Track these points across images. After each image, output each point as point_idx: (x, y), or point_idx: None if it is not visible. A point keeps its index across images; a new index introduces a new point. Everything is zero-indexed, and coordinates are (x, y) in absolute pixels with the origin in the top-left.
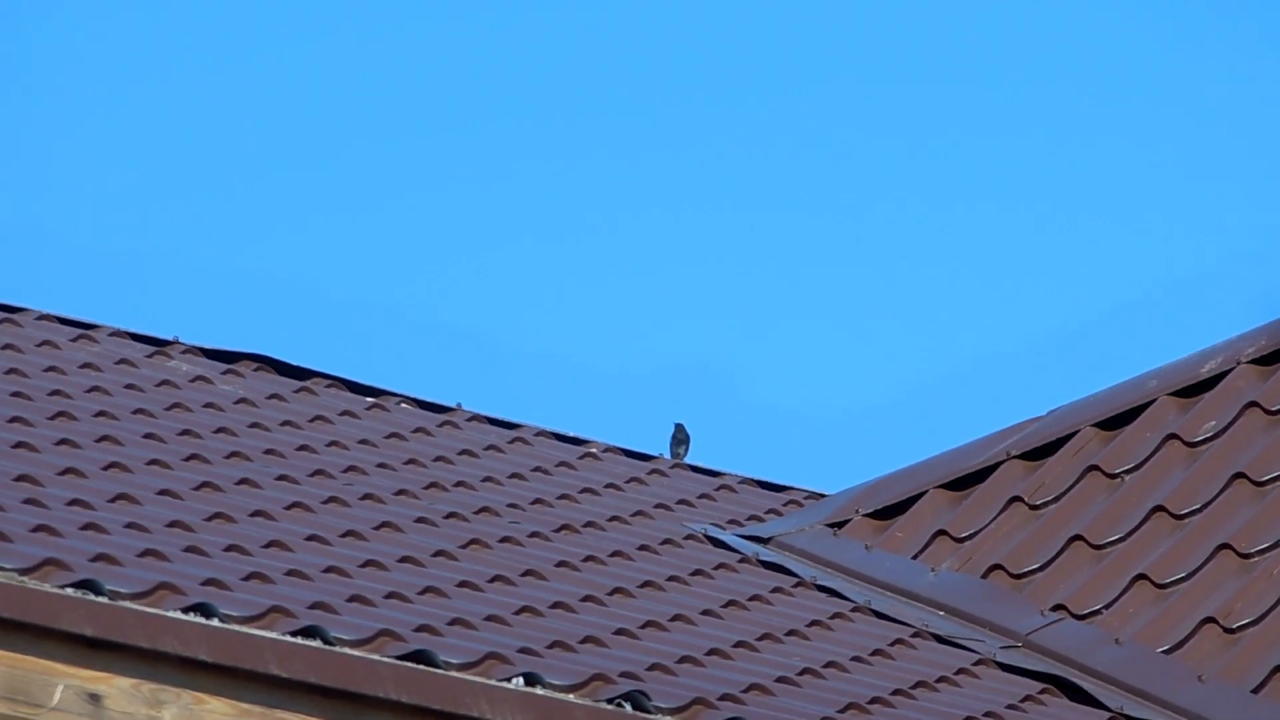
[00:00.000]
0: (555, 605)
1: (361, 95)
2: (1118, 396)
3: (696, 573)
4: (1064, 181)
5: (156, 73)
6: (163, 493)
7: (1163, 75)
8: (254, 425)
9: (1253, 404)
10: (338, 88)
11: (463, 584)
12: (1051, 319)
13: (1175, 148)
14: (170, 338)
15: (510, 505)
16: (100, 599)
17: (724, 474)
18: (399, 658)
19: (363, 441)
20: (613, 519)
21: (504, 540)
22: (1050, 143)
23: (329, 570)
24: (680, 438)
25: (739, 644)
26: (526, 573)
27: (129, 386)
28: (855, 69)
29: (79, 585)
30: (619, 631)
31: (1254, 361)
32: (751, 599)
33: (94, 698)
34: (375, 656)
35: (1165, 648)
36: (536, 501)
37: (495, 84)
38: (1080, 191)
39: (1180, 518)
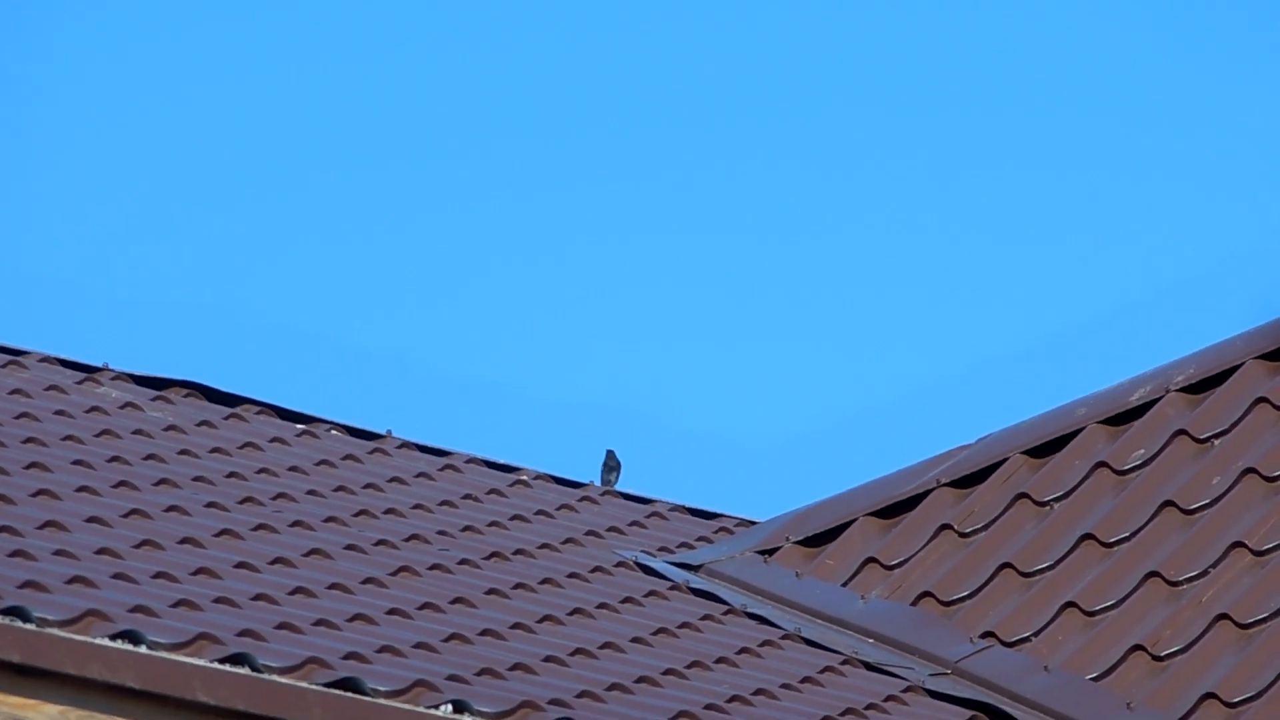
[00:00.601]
0: (484, 632)
1: (296, 121)
2: (1047, 424)
3: (627, 600)
4: (998, 207)
5: (75, 96)
6: (91, 520)
7: (1115, 92)
8: (183, 452)
9: (1181, 432)
10: (275, 114)
11: (392, 611)
12: (979, 347)
13: (1112, 172)
14: (100, 364)
15: (440, 532)
16: (28, 626)
17: (655, 501)
18: (327, 685)
19: (292, 468)
20: (543, 546)
21: (433, 568)
22: (984, 169)
23: (258, 597)
24: (611, 464)
25: (668, 671)
26: (456, 600)
27: (58, 413)
28: (805, 85)
29: (6, 612)
30: (548, 659)
31: (1183, 390)
32: (681, 626)
33: None
34: (303, 684)
35: (1094, 675)
36: (467, 529)
37: (426, 114)
38: (1014, 219)
39: (1109, 545)
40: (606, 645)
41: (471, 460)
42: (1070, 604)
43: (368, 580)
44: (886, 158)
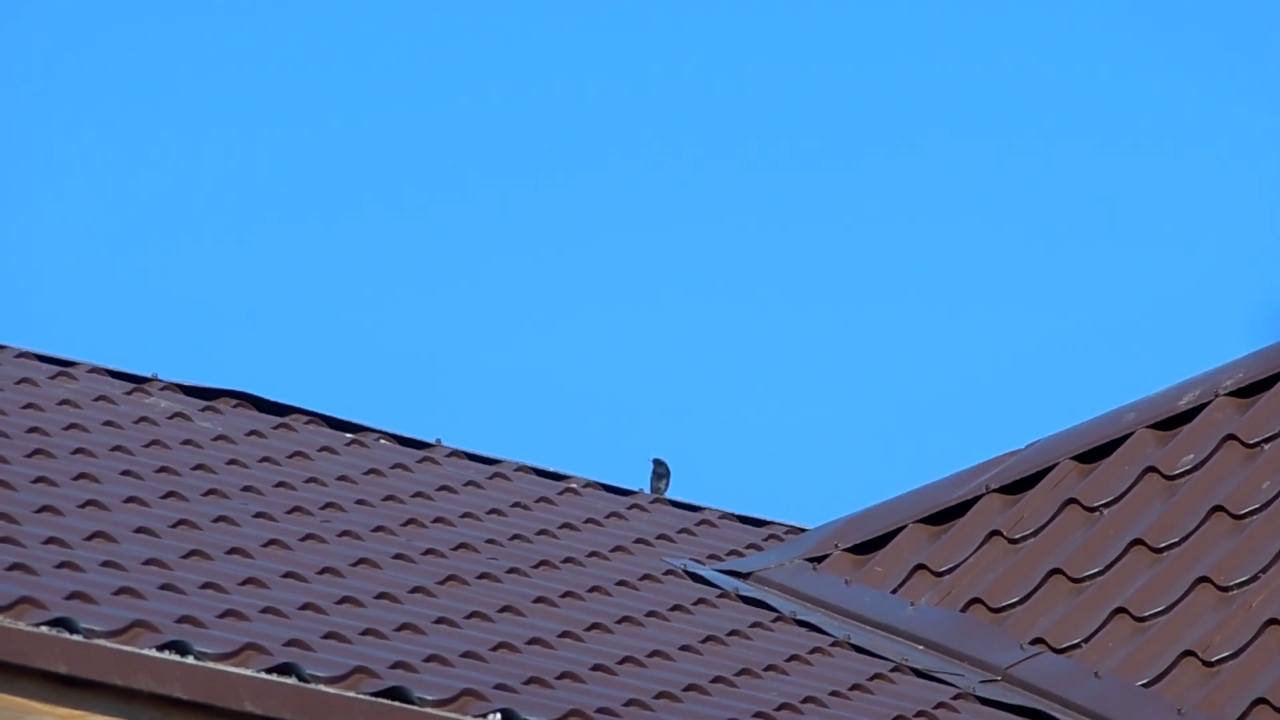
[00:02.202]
0: (532, 641)
1: (361, 107)
2: (1096, 429)
3: (675, 608)
4: (1040, 213)
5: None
6: (140, 530)
7: (1152, 81)
8: (232, 462)
9: (1231, 436)
10: (333, 99)
11: (440, 620)
12: (1031, 350)
13: (1148, 177)
14: (149, 374)
15: (489, 541)
16: (75, 637)
17: (703, 508)
18: (374, 694)
19: (341, 478)
20: (592, 554)
21: (482, 576)
22: (1015, 172)
23: (305, 607)
24: (660, 472)
25: (716, 679)
26: (504, 609)
27: (107, 424)
28: (838, 79)
29: (54, 623)
30: (596, 667)
31: (1232, 394)
32: (730, 634)
33: None
34: (350, 694)
35: (1144, 681)
36: (515, 537)
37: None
38: (1059, 221)
39: (1159, 551)
40: (655, 653)
41: (521, 468)
42: (1120, 610)
43: (416, 589)
44: (925, 156)
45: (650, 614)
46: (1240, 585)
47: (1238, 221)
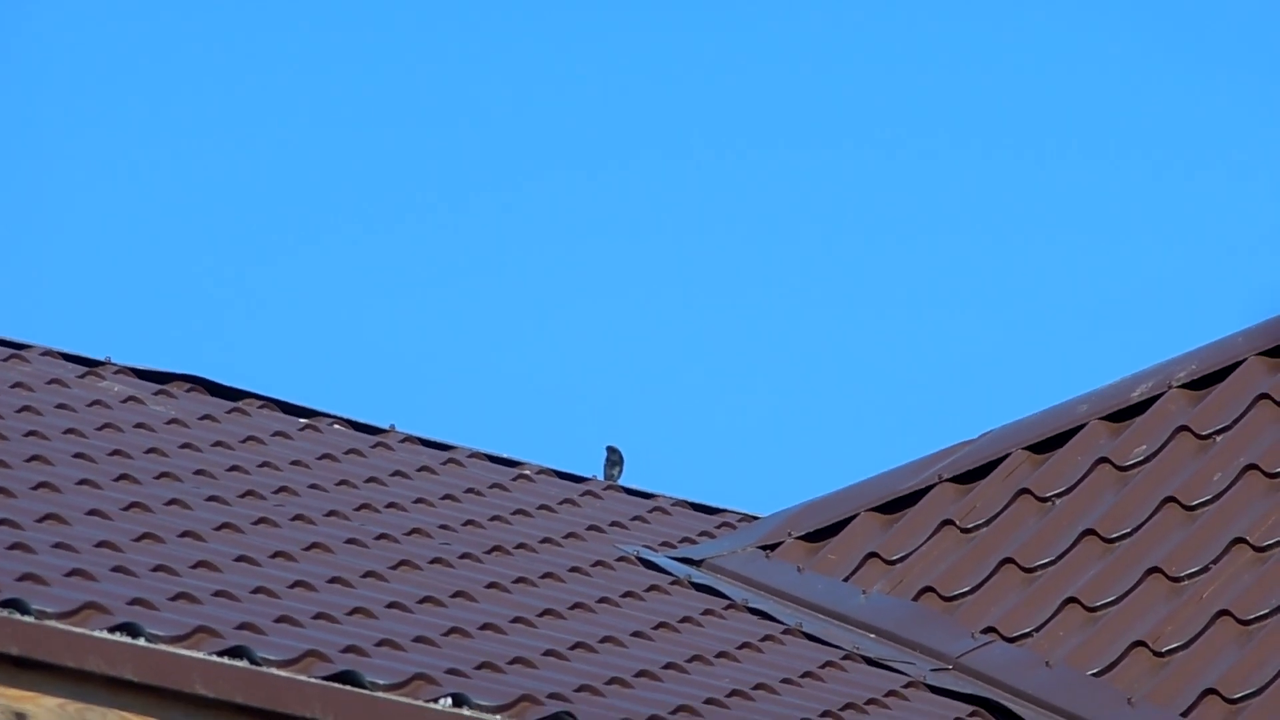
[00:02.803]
0: (484, 626)
1: (306, 119)
2: (1048, 420)
3: (628, 594)
4: (1012, 198)
5: (84, 87)
6: (92, 513)
7: (1153, 82)
8: (185, 446)
9: (1183, 428)
10: (271, 111)
11: (392, 605)
12: (980, 341)
13: (1109, 171)
14: (102, 358)
15: (442, 526)
16: (26, 618)
17: (657, 496)
18: (326, 678)
19: (295, 463)
20: (545, 540)
21: (434, 561)
22: (992, 163)
23: (257, 591)
24: (614, 459)
25: (668, 665)
26: (456, 594)
27: (60, 406)
28: (845, 73)
29: (5, 604)
30: (548, 653)
31: (1185, 385)
32: (682, 621)
33: (20, 717)
34: (302, 677)
35: (1095, 670)
36: (468, 523)
37: (445, 100)
38: (1021, 211)
39: (1111, 541)
40: (607, 639)
41: (474, 454)
42: (1072, 600)
43: (368, 574)
44: (895, 146)
45: (603, 600)
46: (1191, 576)
47: (1203, 215)
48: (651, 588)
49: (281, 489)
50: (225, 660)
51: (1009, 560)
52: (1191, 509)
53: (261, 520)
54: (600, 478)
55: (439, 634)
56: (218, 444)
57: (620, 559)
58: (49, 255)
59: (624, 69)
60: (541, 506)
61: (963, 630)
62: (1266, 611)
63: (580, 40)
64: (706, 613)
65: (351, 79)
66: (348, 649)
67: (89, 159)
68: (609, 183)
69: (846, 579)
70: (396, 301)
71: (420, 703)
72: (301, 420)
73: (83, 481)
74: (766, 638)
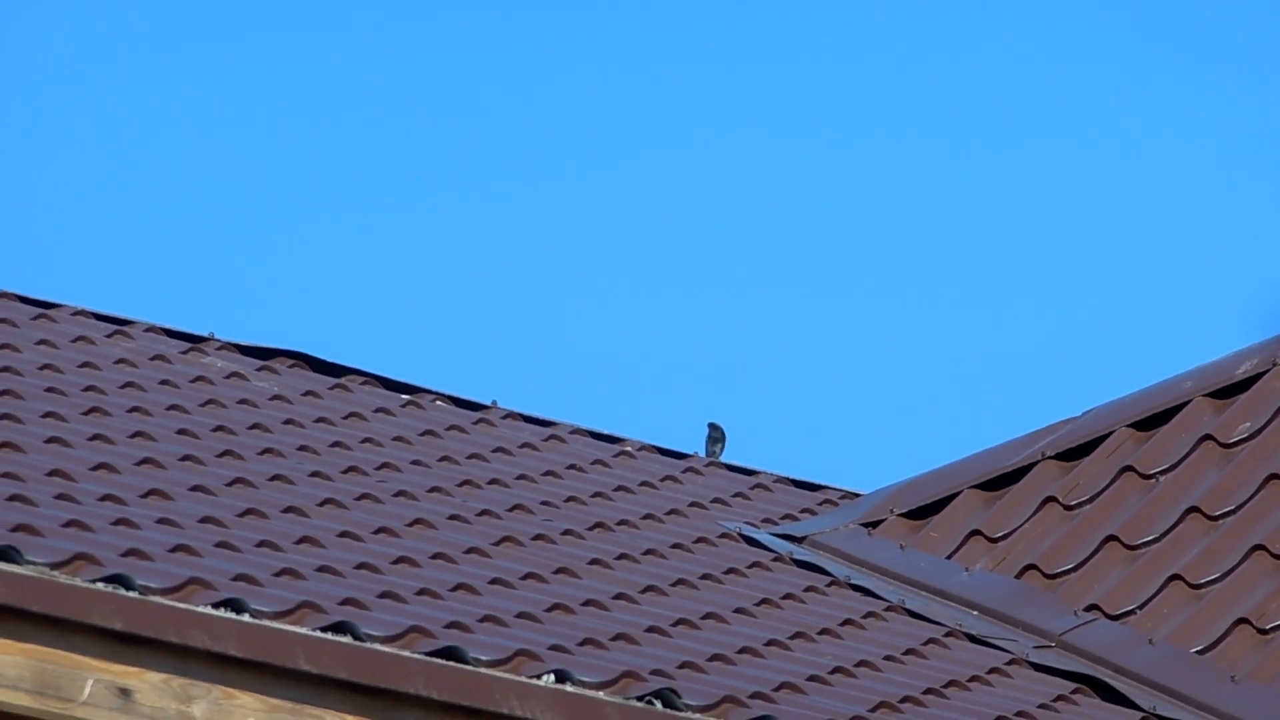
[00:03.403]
0: (587, 603)
1: (387, 93)
2: (1153, 397)
3: (730, 571)
4: (1097, 176)
5: (173, 71)
6: (195, 488)
7: (1154, 82)
8: (288, 422)
9: None
10: (357, 86)
11: (495, 581)
12: (1088, 317)
13: (1207, 141)
14: (206, 334)
15: (544, 503)
16: (131, 594)
17: (759, 472)
18: (429, 654)
19: (397, 439)
20: (647, 517)
21: (537, 538)
22: (1074, 135)
23: (360, 566)
24: (715, 436)
25: (771, 642)
26: (559, 570)
27: (163, 383)
28: (850, 73)
29: (110, 580)
30: (651, 629)
31: None
32: (785, 598)
33: (124, 692)
34: (405, 653)
35: (1198, 648)
36: (570, 499)
37: (507, 76)
38: (1114, 189)
39: (1214, 519)
40: (709, 616)
41: (576, 431)
42: (1175, 577)
43: (471, 550)
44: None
45: (704, 577)
46: None
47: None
48: (754, 564)
49: (384, 465)
50: (329, 636)
51: (1112, 538)
52: None
53: (364, 496)
54: (702, 454)
55: (542, 610)
56: (320, 420)
57: (722, 535)
58: (153, 232)
59: (729, 40)
60: (643, 483)
61: (1065, 608)
62: None
63: (678, 14)
64: (809, 589)
65: (453, 53)
66: (451, 625)
67: (191, 134)
68: (713, 161)
69: (949, 556)
70: (498, 278)
71: (523, 679)
72: (404, 396)
73: (186, 457)
74: (869, 614)
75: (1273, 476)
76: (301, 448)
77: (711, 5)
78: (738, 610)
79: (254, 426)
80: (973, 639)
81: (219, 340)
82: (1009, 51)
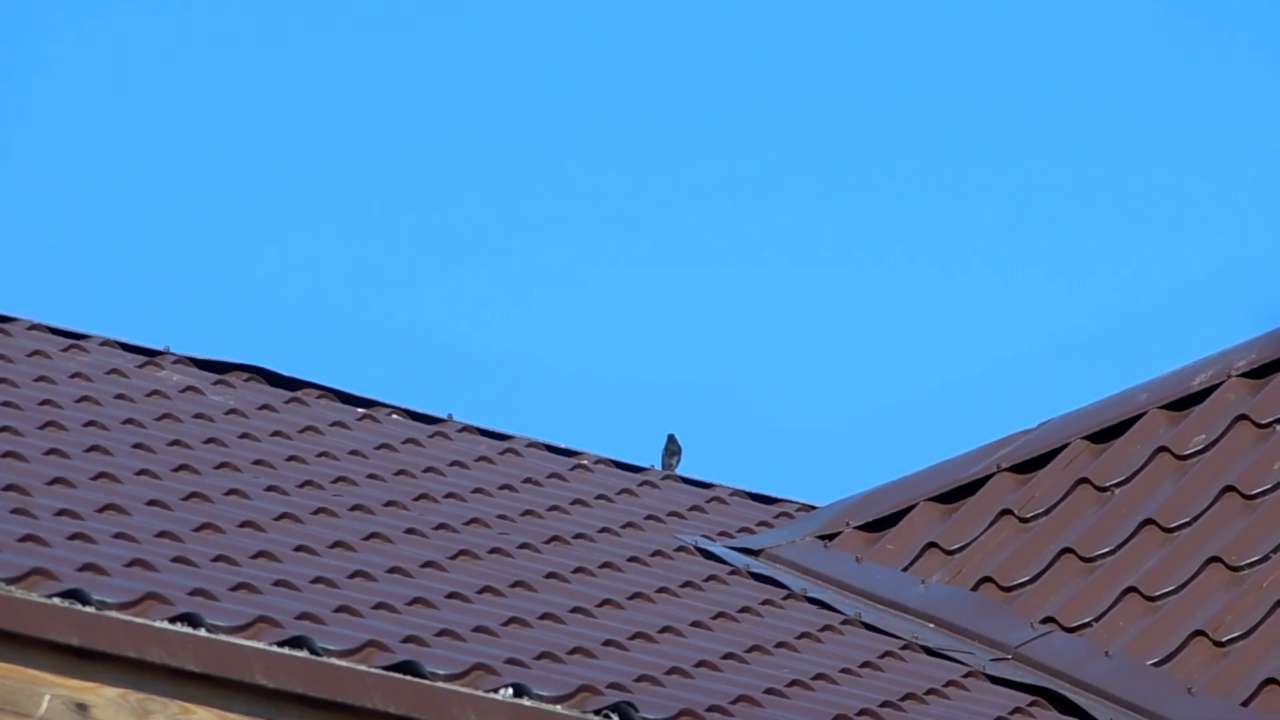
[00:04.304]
0: (544, 616)
1: (378, 104)
2: (1108, 409)
3: (686, 584)
4: (1051, 193)
5: (154, 77)
6: (151, 503)
7: (1155, 82)
8: (244, 436)
9: (1243, 417)
10: (350, 93)
11: (451, 595)
12: (1041, 330)
13: (1167, 155)
14: (161, 348)
15: (500, 516)
16: (87, 609)
17: (715, 485)
18: (386, 668)
19: (353, 452)
20: (603, 530)
21: (493, 551)
22: (1033, 154)
23: (317, 581)
24: (672, 449)
25: (727, 655)
26: (515, 584)
27: (119, 396)
28: (847, 74)
29: (66, 595)
30: (607, 643)
31: (1245, 374)
32: (741, 611)
33: (81, 707)
34: (362, 667)
35: (1155, 660)
36: (526, 513)
37: (494, 85)
38: (1068, 204)
39: (1170, 530)
40: (666, 629)
41: (532, 444)
42: (1131, 589)
43: (427, 564)
44: (946, 156)
45: (661, 590)
46: (1251, 565)
47: (1255, 207)
48: (710, 577)
49: (340, 479)
50: (285, 650)
51: (1068, 550)
52: (1251, 498)
53: (320, 510)
54: (658, 467)
55: (498, 624)
56: (276, 434)
57: (679, 549)
58: (107, 245)
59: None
60: (600, 496)
61: (1022, 620)
62: None
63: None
64: (765, 603)
65: (447, 63)
66: (408, 639)
67: (146, 149)
68: (672, 169)
69: (905, 569)
70: (450, 293)
71: (480, 693)
72: (359, 410)
73: (142, 471)
74: (825, 628)
75: (1228, 489)
76: (257, 462)
77: None
78: (694, 624)
79: (210, 441)
80: (929, 652)
81: (174, 354)
82: (1003, 53)
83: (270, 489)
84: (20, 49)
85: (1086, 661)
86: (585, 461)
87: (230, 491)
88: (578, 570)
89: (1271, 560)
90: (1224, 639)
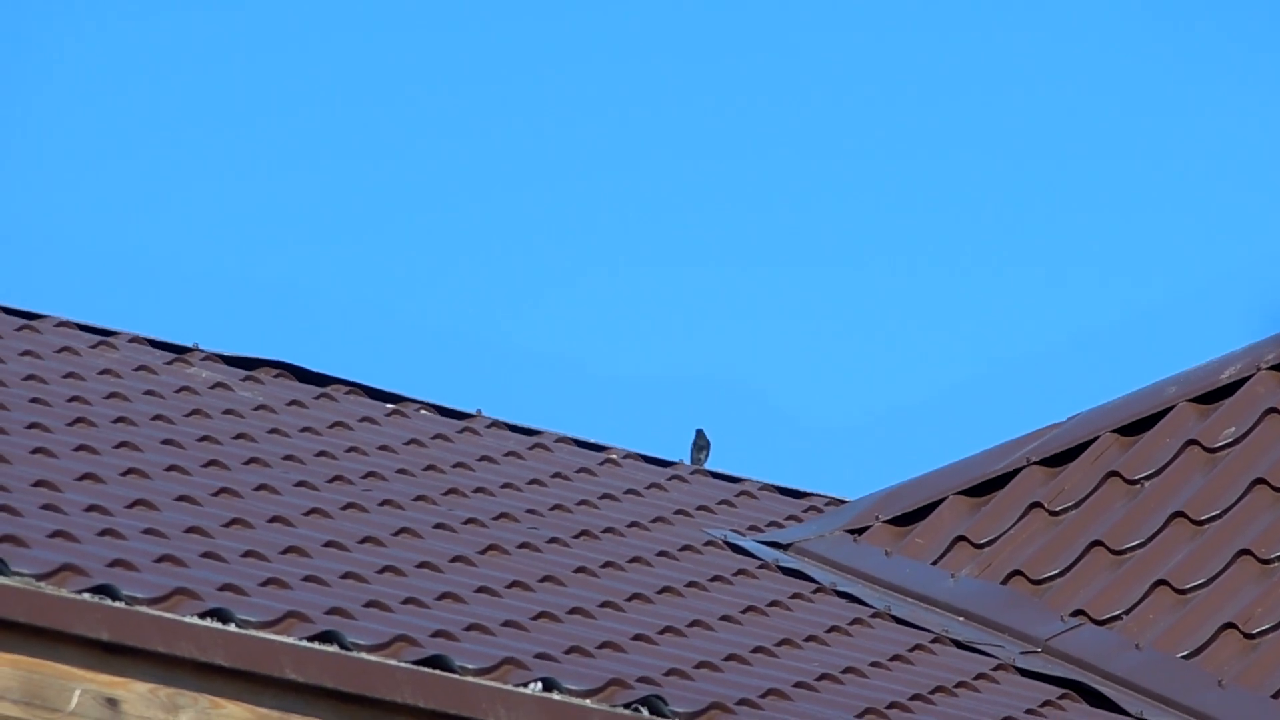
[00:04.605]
0: (573, 611)
1: (412, 100)
2: (1137, 402)
3: (715, 578)
4: (1080, 184)
5: (183, 72)
6: (181, 499)
7: (1174, 76)
8: (273, 431)
9: (1272, 410)
10: (385, 89)
11: (480, 589)
12: (1069, 324)
13: (1195, 148)
14: (190, 344)
15: (529, 511)
16: (117, 604)
17: (744, 480)
18: (415, 663)
19: (382, 448)
20: (632, 525)
21: (522, 546)
22: (1064, 146)
23: (346, 576)
24: (701, 444)
25: (757, 649)
26: (545, 578)
27: (148, 393)
28: (871, 69)
29: (96, 590)
30: (637, 637)
31: (1274, 367)
32: (770, 605)
33: (111, 702)
34: (392, 661)
35: (1185, 653)
36: (556, 507)
37: (525, 79)
38: (1099, 195)
39: (1200, 523)
40: (695, 623)
41: (561, 439)
42: (1161, 582)
43: (456, 559)
44: (971, 141)
45: (690, 584)
46: None
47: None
48: (739, 572)
49: (370, 474)
50: (315, 645)
51: (1098, 543)
52: None
53: (350, 505)
54: (687, 462)
55: (527, 618)
56: (306, 429)
57: (708, 543)
58: (137, 242)
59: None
60: (628, 491)
61: (1052, 613)
62: None
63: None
64: (795, 596)
65: (482, 63)
66: (437, 634)
67: (175, 146)
68: (697, 164)
69: (935, 562)
70: (477, 290)
71: (510, 687)
72: (388, 406)
73: (171, 467)
74: (855, 621)
75: (1258, 481)
76: (287, 457)
77: None
78: (724, 617)
79: (239, 436)
80: (959, 645)
81: (203, 351)
82: (997, 53)
83: (299, 484)
84: (52, 43)
85: (1117, 654)
86: (614, 456)
87: (259, 487)
88: (607, 565)
89: None
90: (1254, 631)
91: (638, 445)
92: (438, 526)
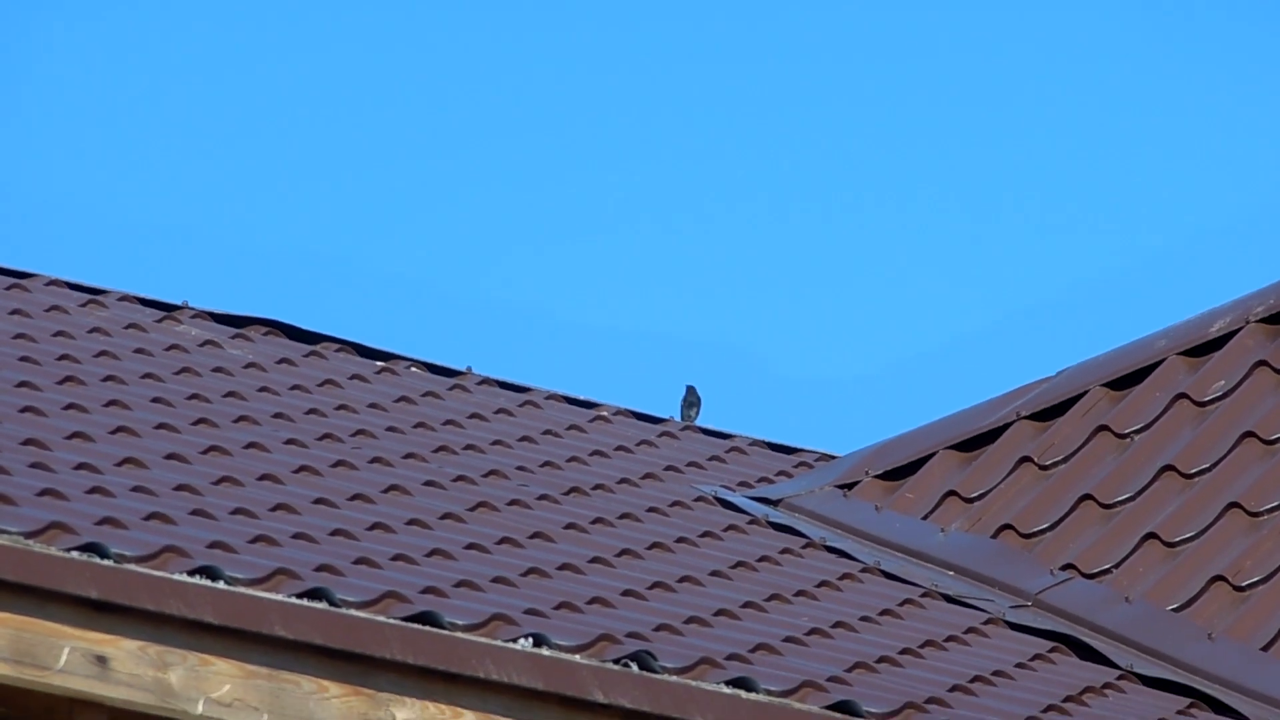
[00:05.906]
0: (563, 567)
1: (398, 60)
2: (1127, 356)
3: (705, 534)
4: (1069, 142)
5: (167, 41)
6: (170, 456)
7: (1176, 29)
8: (262, 389)
9: (1262, 363)
10: (369, 47)
11: (470, 546)
12: (1059, 280)
13: (1186, 103)
14: (180, 302)
15: (519, 468)
16: (106, 562)
17: (734, 436)
18: (405, 619)
19: (372, 405)
20: (622, 481)
21: (512, 503)
22: (1053, 102)
23: (335, 533)
24: (691, 400)
25: (747, 604)
26: (534, 535)
27: (137, 351)
28: (861, 18)
29: (85, 548)
30: (626, 592)
31: (1263, 320)
32: (760, 560)
33: (100, 660)
34: (381, 618)
35: (1174, 606)
36: (545, 464)
37: (512, 39)
38: (1086, 153)
39: (1189, 477)
40: (685, 579)
41: (551, 396)
42: (1151, 535)
43: (446, 515)
44: (960, 107)
45: (680, 540)
46: (1270, 511)
47: (1274, 154)
48: (729, 527)
49: (359, 432)
50: (304, 602)
51: (1088, 497)
52: (1270, 443)
53: (339, 463)
54: (677, 418)
55: (517, 574)
56: (295, 387)
57: (698, 499)
58: (125, 201)
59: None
60: (619, 447)
61: (1042, 567)
62: None
63: None
64: (785, 552)
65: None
66: (426, 590)
67: (163, 103)
68: (688, 121)
69: (925, 517)
70: (467, 246)
71: (499, 642)
72: (378, 363)
73: (161, 425)
74: (845, 576)
75: (1247, 434)
76: (276, 415)
77: None
78: (713, 573)
79: (229, 394)
80: (949, 599)
81: (193, 308)
82: (996, 43)
83: (289, 442)
84: (33, 13)
85: (1106, 607)
86: (604, 413)
87: (249, 445)
88: (597, 521)
89: None
90: (1243, 584)
91: (628, 402)
92: (427, 484)
